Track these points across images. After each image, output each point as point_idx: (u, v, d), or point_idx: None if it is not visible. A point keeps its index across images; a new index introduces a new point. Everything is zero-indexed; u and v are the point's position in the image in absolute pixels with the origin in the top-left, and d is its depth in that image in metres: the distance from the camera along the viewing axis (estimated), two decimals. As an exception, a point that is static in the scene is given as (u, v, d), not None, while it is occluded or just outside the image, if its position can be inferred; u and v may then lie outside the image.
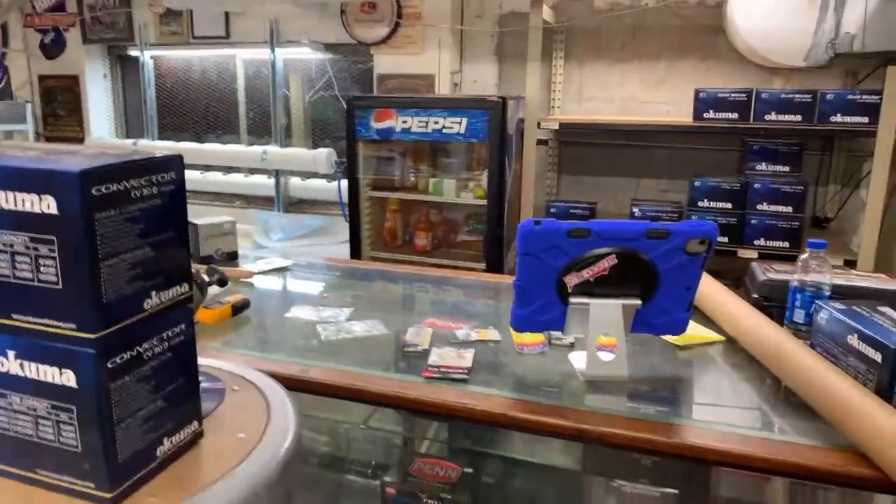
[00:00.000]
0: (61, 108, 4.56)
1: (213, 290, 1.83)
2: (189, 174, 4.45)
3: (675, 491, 1.64)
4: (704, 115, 2.90)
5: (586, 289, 1.33)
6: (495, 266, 3.09)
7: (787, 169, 2.92)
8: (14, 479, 0.75)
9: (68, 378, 0.69)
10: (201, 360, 1.09)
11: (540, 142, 3.40)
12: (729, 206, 2.87)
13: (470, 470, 1.80)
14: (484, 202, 3.12)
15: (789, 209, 2.78)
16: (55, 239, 0.66)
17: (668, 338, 1.54)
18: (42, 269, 0.67)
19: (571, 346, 1.53)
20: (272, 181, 4.15)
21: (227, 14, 4.07)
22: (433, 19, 3.60)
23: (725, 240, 2.88)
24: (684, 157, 3.37)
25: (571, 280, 1.33)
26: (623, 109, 3.48)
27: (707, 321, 1.65)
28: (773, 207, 2.80)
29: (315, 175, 4.05)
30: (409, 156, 3.45)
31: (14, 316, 0.70)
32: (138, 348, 0.73)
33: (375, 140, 3.28)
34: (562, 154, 3.62)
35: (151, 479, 0.76)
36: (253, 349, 1.59)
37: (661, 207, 3.04)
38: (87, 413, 0.70)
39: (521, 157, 3.25)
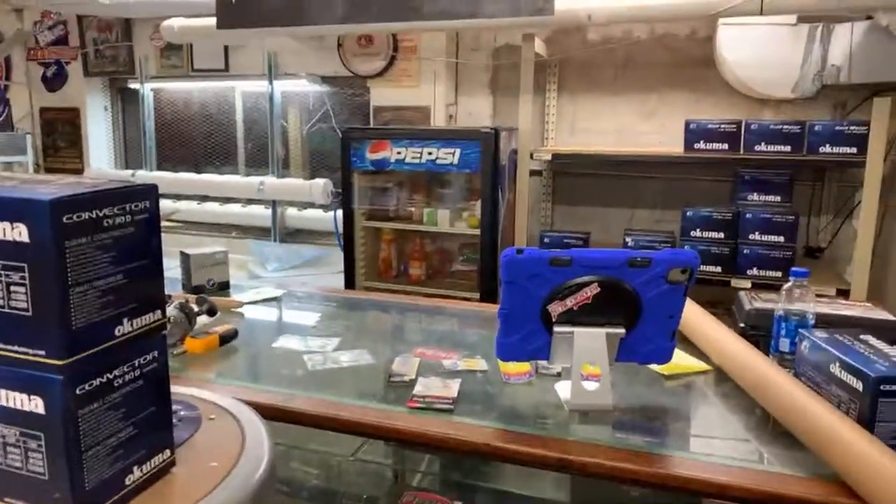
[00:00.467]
0: (62, 139, 4.62)
1: (203, 319, 1.83)
2: (186, 204, 4.46)
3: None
4: (695, 145, 2.93)
5: (570, 317, 1.33)
6: (489, 295, 3.09)
7: (778, 199, 2.94)
8: (-19, 508, 0.75)
9: (36, 405, 0.69)
10: (182, 389, 1.09)
11: (534, 172, 3.43)
12: (721, 235, 2.89)
13: (460, 503, 1.78)
14: (478, 232, 3.13)
15: (781, 239, 2.79)
16: (26, 266, 0.67)
17: (655, 367, 1.53)
18: (13, 295, 0.68)
19: (558, 376, 1.53)
20: (269, 211, 4.17)
21: (226, 48, 4.15)
22: (429, 53, 3.66)
23: (718, 270, 2.88)
24: (677, 188, 3.39)
25: (556, 308, 1.33)
26: (616, 140, 3.52)
27: (695, 350, 1.65)
28: (765, 237, 2.81)
29: (312, 205, 4.07)
30: (403, 186, 3.48)
31: (-15, 343, 0.71)
32: (108, 375, 0.73)
33: (370, 171, 3.32)
34: (556, 184, 3.65)
35: (120, 508, 0.76)
36: (239, 379, 1.58)
37: (653, 237, 3.05)
38: (55, 440, 0.70)
39: (515, 187, 3.27)
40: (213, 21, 3.24)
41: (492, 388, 1.50)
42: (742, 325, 1.59)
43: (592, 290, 1.30)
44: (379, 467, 2.12)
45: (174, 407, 0.88)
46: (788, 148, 2.77)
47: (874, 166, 2.59)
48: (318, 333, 1.87)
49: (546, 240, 3.22)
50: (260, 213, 4.23)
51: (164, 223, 3.62)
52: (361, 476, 2.13)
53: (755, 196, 2.96)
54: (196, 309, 1.78)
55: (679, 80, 3.36)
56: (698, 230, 2.92)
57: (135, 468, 0.78)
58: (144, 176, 4.34)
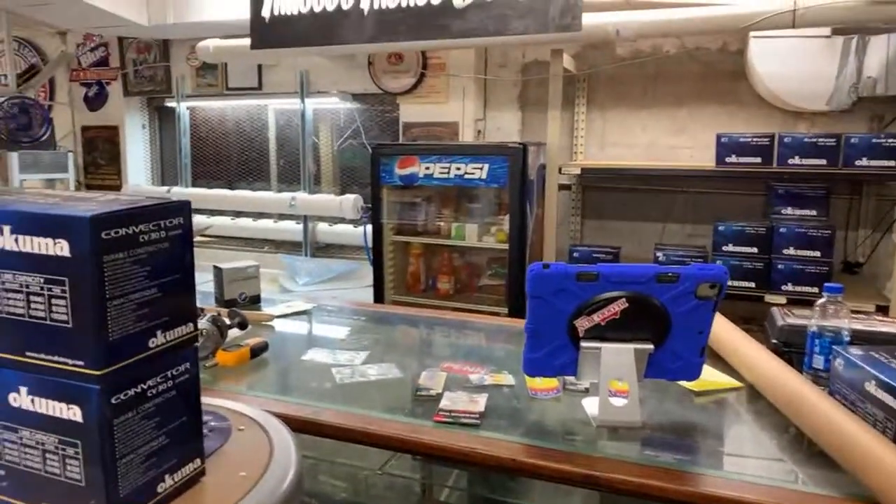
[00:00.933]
0: (101, 157, 4.77)
1: (234, 332, 1.87)
2: (220, 220, 4.55)
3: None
4: (727, 159, 2.89)
5: (598, 333, 1.33)
6: (517, 310, 3.08)
7: (813, 213, 2.88)
8: (21, 514, 0.77)
9: (74, 413, 0.72)
10: (213, 400, 1.12)
11: (563, 186, 3.43)
12: (754, 250, 2.84)
13: (487, 518, 1.77)
14: (506, 246, 3.14)
15: (817, 254, 2.73)
16: (67, 280, 0.70)
17: (685, 384, 1.51)
18: (54, 308, 0.71)
19: (586, 392, 1.52)
20: (300, 226, 4.24)
21: (259, 67, 4.25)
22: (457, 69, 3.70)
23: (752, 285, 2.83)
24: (709, 202, 3.35)
25: (583, 324, 1.33)
26: (646, 155, 3.50)
27: (725, 367, 1.62)
28: (800, 252, 2.76)
29: (342, 220, 4.13)
30: (432, 201, 3.50)
31: (28, 353, 0.74)
32: (142, 385, 0.76)
33: (399, 186, 3.35)
34: (585, 199, 3.64)
35: (152, 515, 0.78)
36: (268, 391, 1.61)
37: (685, 252, 3.02)
38: (91, 448, 0.72)
39: (544, 201, 3.27)
40: (247, 42, 3.33)
41: (518, 403, 1.49)
42: (774, 341, 1.56)
43: (620, 306, 1.29)
44: (407, 481, 2.12)
45: (205, 418, 0.90)
46: (824, 161, 2.72)
47: (913, 179, 2.53)
48: (347, 347, 1.89)
49: (575, 254, 3.20)
50: (291, 228, 4.30)
51: (198, 238, 3.71)
52: (389, 490, 2.14)
53: (790, 210, 2.91)
54: (228, 322, 1.81)
55: (710, 94, 3.33)
56: (730, 245, 2.87)
57: (166, 476, 0.80)
58: (180, 192, 4.45)
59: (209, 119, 4.71)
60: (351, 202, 3.87)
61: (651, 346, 1.32)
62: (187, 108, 4.59)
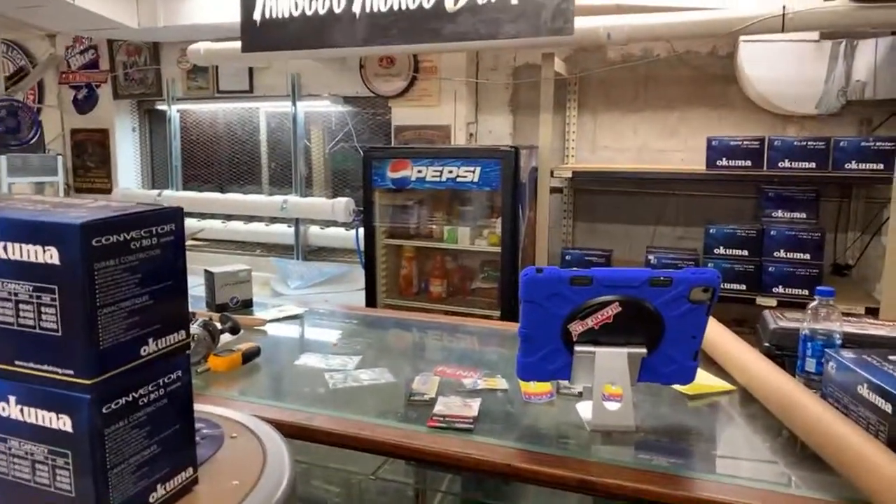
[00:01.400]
0: (91, 160, 4.74)
1: (226, 337, 1.86)
2: (211, 223, 4.53)
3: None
4: (717, 162, 2.91)
5: (591, 337, 1.33)
6: (510, 314, 3.08)
7: (803, 216, 2.90)
8: (10, 525, 0.76)
9: (64, 423, 0.71)
10: (205, 407, 1.11)
11: (554, 190, 3.43)
12: (745, 253, 2.85)
13: (481, 524, 1.76)
14: (498, 249, 3.14)
15: (807, 256, 2.75)
16: (56, 288, 0.69)
17: (679, 387, 1.51)
18: (44, 316, 0.70)
19: (580, 396, 1.51)
20: (292, 230, 4.22)
21: (250, 69, 4.23)
22: (449, 73, 3.70)
23: (743, 287, 2.85)
24: (700, 205, 3.37)
25: (576, 328, 1.33)
26: (637, 158, 3.51)
27: (718, 370, 1.62)
28: (790, 254, 2.78)
29: (334, 224, 4.12)
30: (424, 204, 3.50)
31: (16, 362, 0.73)
32: (134, 394, 0.75)
33: (391, 189, 3.34)
34: (577, 202, 3.65)
35: (144, 526, 0.77)
36: (261, 397, 1.59)
37: (676, 255, 3.03)
38: (82, 458, 0.71)
39: (535, 204, 3.27)
40: (238, 45, 3.31)
41: (512, 407, 1.49)
42: (767, 344, 1.56)
43: (613, 310, 1.29)
44: (400, 486, 2.11)
45: (197, 425, 0.89)
46: (813, 164, 2.74)
47: (902, 182, 2.55)
48: (340, 351, 1.88)
49: (567, 257, 3.21)
50: (283, 232, 4.29)
51: (188, 242, 3.68)
52: (382, 495, 2.13)
53: (780, 213, 2.93)
54: (220, 327, 1.80)
55: (700, 98, 3.35)
56: (722, 247, 2.89)
57: (158, 486, 0.79)
58: (170, 196, 4.42)
59: (200, 122, 4.69)
60: (343, 205, 3.86)
61: (644, 350, 1.32)
62: (178, 111, 4.57)
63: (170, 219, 0.78)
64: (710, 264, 2.87)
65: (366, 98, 4.01)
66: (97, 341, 0.70)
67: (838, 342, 1.39)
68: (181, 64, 4.38)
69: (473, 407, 1.45)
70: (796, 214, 2.91)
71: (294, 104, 4.12)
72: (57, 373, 0.71)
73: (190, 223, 4.36)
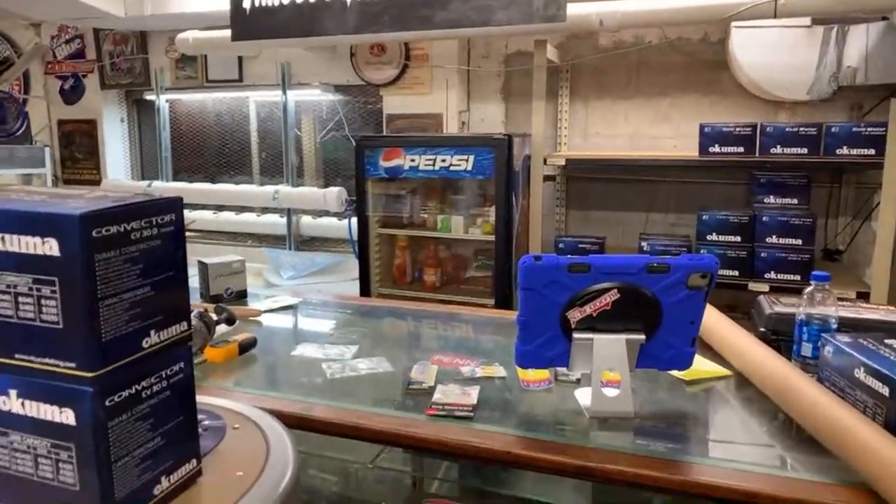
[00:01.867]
0: (79, 151, 4.68)
1: (222, 328, 1.85)
2: (202, 214, 4.49)
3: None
4: (710, 149, 2.91)
5: (590, 324, 1.33)
6: (504, 302, 3.09)
7: (795, 201, 2.92)
8: (13, 520, 0.76)
9: (67, 416, 0.70)
10: (205, 399, 1.10)
11: (547, 178, 3.43)
12: (738, 239, 2.87)
13: (479, 510, 1.77)
14: (492, 238, 3.14)
15: (798, 241, 2.77)
16: (56, 280, 0.68)
17: (676, 373, 1.52)
18: (44, 309, 0.69)
19: (578, 383, 1.52)
20: (284, 220, 4.20)
21: (240, 58, 4.19)
22: (440, 60, 3.68)
23: (735, 273, 2.87)
24: (692, 191, 3.38)
25: (574, 315, 1.33)
26: (629, 145, 3.51)
27: (715, 356, 1.64)
28: (782, 240, 2.79)
29: (326, 213, 4.10)
30: (417, 193, 3.49)
31: (17, 356, 0.72)
32: (136, 387, 0.74)
33: (384, 178, 3.33)
34: (569, 189, 3.65)
35: (148, 518, 0.77)
36: (258, 387, 1.59)
37: (669, 241, 3.04)
38: (85, 451, 0.71)
39: (529, 192, 3.27)
40: (227, 33, 3.28)
41: (511, 395, 1.50)
42: (763, 329, 1.57)
43: (612, 297, 1.30)
44: (397, 474, 2.12)
45: (199, 417, 0.88)
46: (805, 150, 2.75)
47: (893, 167, 2.57)
48: (336, 341, 1.88)
49: (561, 245, 3.21)
50: (275, 222, 4.26)
51: (180, 233, 3.65)
52: (380, 483, 2.13)
53: (772, 199, 2.94)
54: (215, 318, 1.80)
55: (692, 84, 3.35)
56: (714, 234, 2.90)
57: (162, 478, 0.78)
58: (161, 186, 4.38)
59: (189, 112, 4.64)
60: (335, 195, 3.84)
61: (643, 337, 1.33)
62: (167, 101, 4.52)
63: (170, 209, 0.77)
64: (703, 250, 2.88)
65: (357, 86, 3.99)
66: (99, 334, 0.69)
67: (834, 326, 1.40)
68: (169, 53, 4.33)
69: (472, 395, 1.46)
70: (788, 200, 2.93)
71: (284, 93, 4.09)
72: (59, 366, 0.70)
73: (181, 214, 4.32)
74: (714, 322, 1.65)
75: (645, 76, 3.44)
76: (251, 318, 2.09)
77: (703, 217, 2.93)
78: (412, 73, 3.76)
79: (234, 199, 4.27)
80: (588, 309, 1.31)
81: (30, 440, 0.73)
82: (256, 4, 3.12)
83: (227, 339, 1.74)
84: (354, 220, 3.48)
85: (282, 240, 4.26)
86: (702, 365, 1.57)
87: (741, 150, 2.86)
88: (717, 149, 2.90)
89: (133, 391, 0.74)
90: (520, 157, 3.15)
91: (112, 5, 3.71)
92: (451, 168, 3.11)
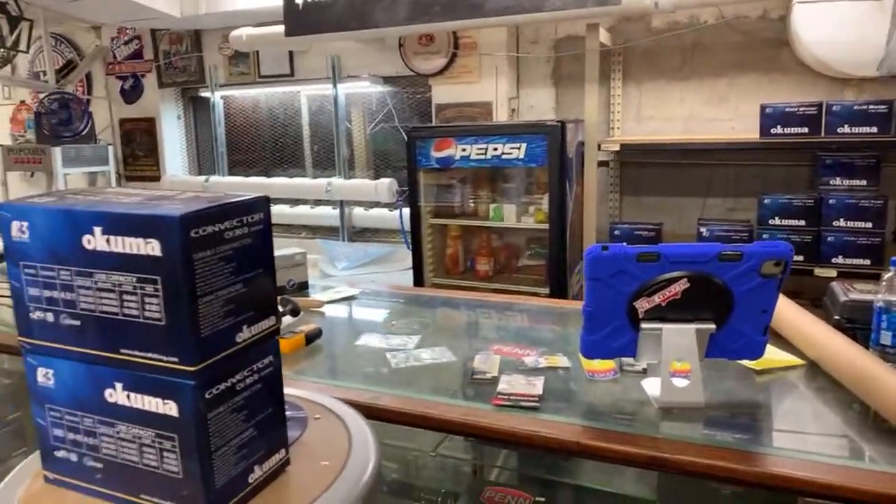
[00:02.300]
0: (140, 148, 4.85)
1: (287, 319, 1.90)
2: (258, 207, 4.56)
3: (757, 522, 1.58)
4: (772, 130, 2.83)
5: (658, 314, 1.31)
6: (559, 290, 3.07)
7: (863, 183, 2.81)
8: (119, 504, 0.80)
9: (170, 408, 0.74)
10: (284, 390, 1.14)
11: (601, 163, 3.39)
12: (802, 223, 2.78)
13: (542, 499, 1.78)
14: (545, 226, 3.12)
15: (868, 224, 2.67)
16: (159, 279, 0.71)
17: (745, 362, 1.49)
18: (147, 306, 0.73)
19: (644, 373, 1.51)
20: (336, 212, 4.27)
21: (291, 53, 4.26)
22: (489, 48, 3.66)
23: (801, 258, 2.78)
24: (750, 174, 3.28)
25: (642, 305, 1.31)
26: (684, 128, 3.43)
27: (785, 345, 1.60)
28: (850, 223, 2.70)
29: (377, 204, 4.15)
30: (468, 182, 3.49)
31: (122, 350, 0.76)
32: (231, 380, 0.78)
33: (435, 168, 3.34)
34: (623, 175, 3.59)
35: (244, 504, 0.80)
36: (326, 377, 1.63)
37: (730, 226, 2.97)
38: (188, 441, 0.74)
39: (582, 179, 3.24)
40: (279, 29, 3.33)
41: (576, 385, 1.49)
42: (837, 317, 1.53)
43: (681, 286, 1.28)
44: (457, 462, 2.14)
45: (283, 407, 0.91)
46: (875, 129, 2.64)
47: (971, 145, 2.44)
48: (398, 331, 1.90)
49: (616, 232, 3.17)
50: (328, 214, 4.34)
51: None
52: (440, 471, 2.16)
53: (838, 181, 2.84)
54: (281, 309, 1.84)
55: (751, 64, 3.25)
56: (777, 218, 2.82)
57: (256, 467, 0.82)
58: (218, 181, 4.51)
59: (243, 107, 4.75)
60: (386, 186, 3.88)
61: (713, 326, 1.31)
62: (221, 98, 4.63)
63: (259, 208, 0.80)
64: (764, 235, 2.81)
65: (405, 77, 4.00)
66: (199, 329, 0.72)
67: (915, 314, 1.36)
68: (223, 50, 4.43)
69: (538, 385, 1.46)
70: (856, 182, 2.81)
71: (335, 86, 4.14)
72: (162, 360, 0.73)
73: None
74: (784, 310, 1.61)
75: (700, 57, 3.35)
76: (313, 309, 2.14)
77: (765, 201, 2.84)
78: (461, 62, 3.75)
79: (288, 191, 4.36)
80: (657, 299, 1.30)
81: (135, 430, 0.77)
82: (309, 0, 3.16)
83: (293, 330, 1.79)
84: (406, 210, 3.51)
85: (335, 231, 4.33)
86: (771, 354, 1.53)
87: (805, 130, 2.76)
88: (779, 130, 2.81)
89: (229, 384, 0.77)
90: (573, 143, 3.12)
91: (168, 5, 3.82)
92: (504, 156, 3.10)
